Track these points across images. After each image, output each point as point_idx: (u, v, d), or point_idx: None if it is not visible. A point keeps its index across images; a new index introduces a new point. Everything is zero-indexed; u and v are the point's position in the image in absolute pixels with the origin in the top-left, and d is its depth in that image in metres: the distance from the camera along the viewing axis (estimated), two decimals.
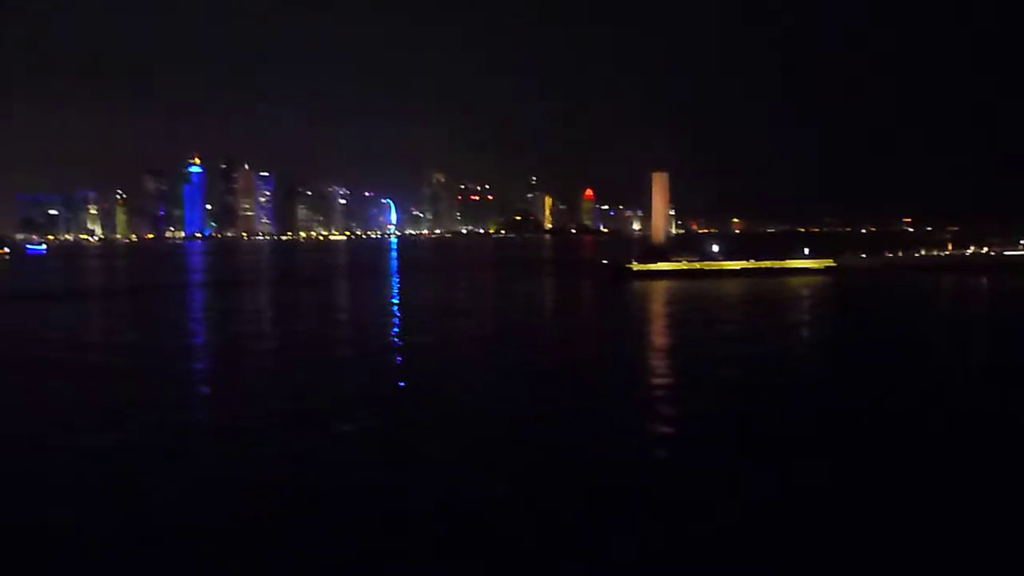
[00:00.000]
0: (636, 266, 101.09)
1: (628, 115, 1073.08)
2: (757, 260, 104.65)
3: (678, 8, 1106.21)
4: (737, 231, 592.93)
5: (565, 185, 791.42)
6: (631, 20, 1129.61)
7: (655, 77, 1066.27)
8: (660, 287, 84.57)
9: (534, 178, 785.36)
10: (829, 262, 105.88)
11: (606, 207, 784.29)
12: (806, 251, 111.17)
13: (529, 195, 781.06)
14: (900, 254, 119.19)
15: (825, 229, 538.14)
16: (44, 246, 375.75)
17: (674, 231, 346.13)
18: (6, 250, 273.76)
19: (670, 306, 67.92)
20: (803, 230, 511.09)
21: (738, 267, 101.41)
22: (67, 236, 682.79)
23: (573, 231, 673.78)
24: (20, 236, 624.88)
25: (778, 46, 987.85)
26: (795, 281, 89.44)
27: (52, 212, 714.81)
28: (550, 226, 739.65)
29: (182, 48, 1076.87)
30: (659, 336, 49.71)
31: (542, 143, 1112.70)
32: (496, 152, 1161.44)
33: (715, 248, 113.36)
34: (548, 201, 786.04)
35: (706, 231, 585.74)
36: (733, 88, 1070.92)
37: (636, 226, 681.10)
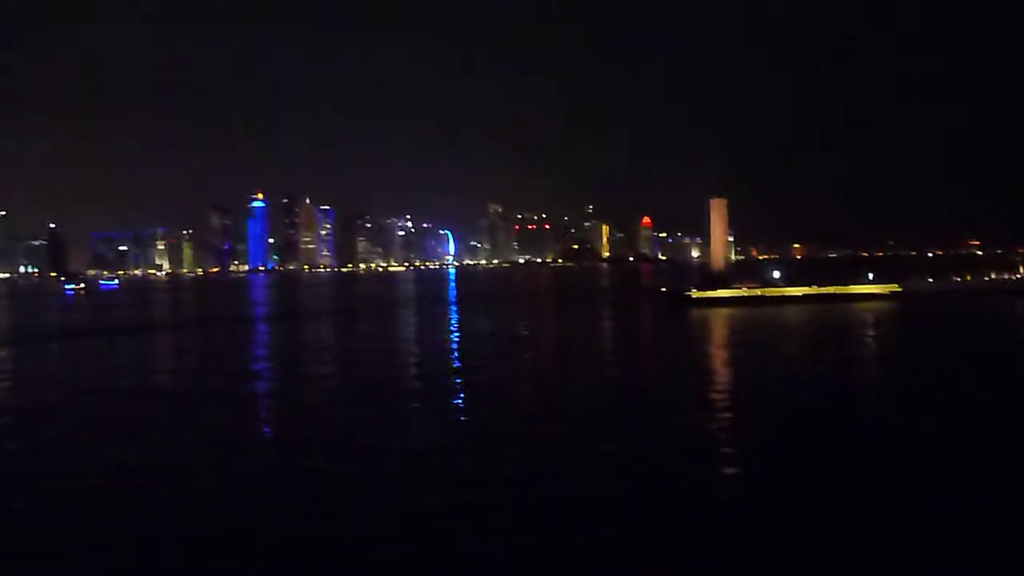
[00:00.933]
0: (695, 293, 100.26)
1: (686, 142, 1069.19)
2: (819, 286, 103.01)
3: (733, 37, 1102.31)
4: (798, 257, 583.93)
5: (622, 213, 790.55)
6: (686, 48, 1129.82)
7: (711, 102, 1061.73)
8: (720, 314, 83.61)
9: (591, 207, 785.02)
10: (894, 287, 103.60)
11: (664, 234, 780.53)
12: (870, 276, 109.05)
13: (586, 224, 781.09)
14: (969, 278, 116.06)
15: (889, 253, 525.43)
16: (116, 281, 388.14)
17: (734, 258, 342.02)
18: (83, 285, 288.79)
19: (731, 334, 67.05)
20: (866, 254, 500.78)
21: (800, 293, 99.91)
22: (136, 271, 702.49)
23: (631, 259, 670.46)
24: (92, 272, 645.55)
25: (836, 66, 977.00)
26: (859, 307, 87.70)
27: (122, 248, 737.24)
28: (607, 254, 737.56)
29: (245, 84, 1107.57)
30: (721, 365, 48.97)
31: (598, 172, 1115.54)
32: (553, 182, 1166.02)
33: (776, 274, 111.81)
34: (605, 229, 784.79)
35: (766, 257, 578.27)
36: (792, 112, 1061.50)
37: (695, 253, 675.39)
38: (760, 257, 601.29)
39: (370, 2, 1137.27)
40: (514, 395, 38.25)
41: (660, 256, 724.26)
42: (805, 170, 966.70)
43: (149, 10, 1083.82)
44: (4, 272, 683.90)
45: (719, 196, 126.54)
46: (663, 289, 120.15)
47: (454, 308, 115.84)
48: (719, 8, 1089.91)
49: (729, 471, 25.11)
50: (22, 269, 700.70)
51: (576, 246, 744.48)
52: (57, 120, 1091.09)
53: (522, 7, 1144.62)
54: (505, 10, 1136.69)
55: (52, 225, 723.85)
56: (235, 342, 71.81)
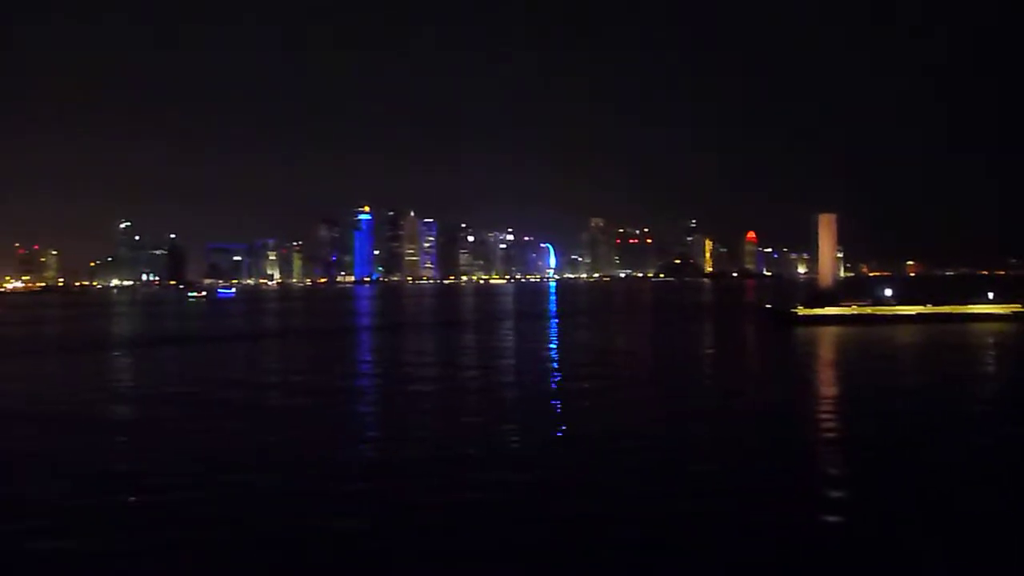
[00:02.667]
0: (802, 310, 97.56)
1: (793, 155, 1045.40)
2: (935, 305, 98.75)
3: (840, 52, 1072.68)
4: (912, 274, 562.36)
5: (726, 228, 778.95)
6: (793, 58, 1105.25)
7: (819, 113, 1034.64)
8: (828, 333, 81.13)
9: (694, 221, 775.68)
10: (1017, 307, 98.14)
11: (769, 250, 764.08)
12: (990, 295, 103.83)
13: (689, 238, 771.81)
14: None
15: (1011, 272, 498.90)
16: (233, 290, 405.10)
17: (843, 274, 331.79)
18: (204, 293, 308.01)
19: (839, 353, 64.93)
20: (986, 273, 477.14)
21: (913, 312, 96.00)
22: (249, 280, 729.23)
23: (734, 274, 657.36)
24: (208, 280, 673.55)
25: (946, 81, 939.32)
26: (978, 328, 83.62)
27: (236, 258, 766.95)
28: (710, 269, 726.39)
29: (353, 100, 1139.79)
30: (828, 385, 47.39)
31: (703, 186, 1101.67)
32: (655, 196, 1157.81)
33: (887, 292, 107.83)
34: (708, 244, 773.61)
35: (878, 274, 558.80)
36: (905, 127, 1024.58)
37: (801, 269, 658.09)
38: (871, 274, 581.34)
39: (470, 19, 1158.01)
40: (611, 409, 37.91)
41: (765, 272, 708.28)
42: (919, 185, 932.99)
43: (265, 21, 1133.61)
44: (128, 280, 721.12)
45: (828, 211, 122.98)
46: (767, 305, 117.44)
47: (554, 321, 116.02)
48: (816, 18, 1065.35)
49: (832, 493, 23.96)
50: (144, 277, 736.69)
51: (678, 260, 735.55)
52: (172, 132, 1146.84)
53: (620, 19, 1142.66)
54: (605, 22, 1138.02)
55: (172, 236, 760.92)
56: (342, 352, 73.55)
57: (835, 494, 23.94)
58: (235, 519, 21.60)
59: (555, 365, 56.61)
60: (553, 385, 46.78)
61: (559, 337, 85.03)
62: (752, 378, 50.80)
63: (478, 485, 24.43)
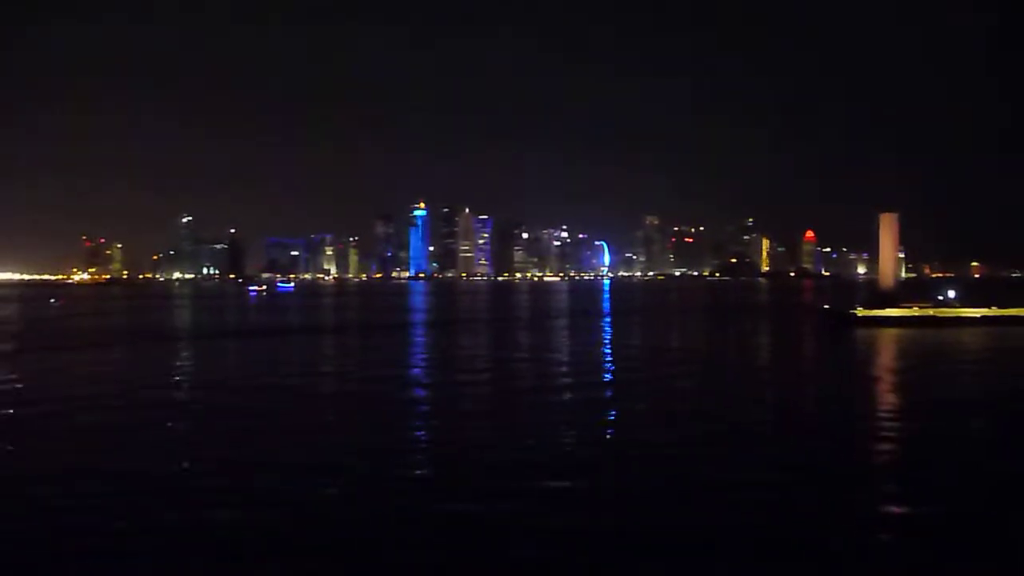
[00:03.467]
0: (861, 312, 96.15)
1: (854, 152, 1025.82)
2: (1000, 307, 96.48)
3: (907, 53, 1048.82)
4: (976, 276, 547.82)
5: (784, 226, 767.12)
6: (855, 55, 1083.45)
7: (884, 112, 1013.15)
8: (888, 335, 79.82)
9: (751, 219, 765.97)
10: None
11: (828, 249, 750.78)
12: None
13: (745, 237, 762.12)
14: None
15: None
16: (292, 284, 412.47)
17: (904, 275, 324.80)
18: (264, 288, 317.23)
19: (901, 356, 63.86)
20: None
21: (978, 315, 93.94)
22: (306, 275, 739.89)
23: (792, 274, 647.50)
24: (266, 275, 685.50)
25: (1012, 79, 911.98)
26: None
27: (294, 253, 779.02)
28: (767, 269, 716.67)
29: (409, 96, 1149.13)
30: (887, 387, 46.75)
31: (761, 184, 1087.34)
32: (712, 194, 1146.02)
33: (951, 294, 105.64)
34: (765, 243, 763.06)
35: (941, 276, 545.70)
36: (970, 125, 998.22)
37: (861, 270, 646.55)
38: (933, 275, 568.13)
39: (527, 16, 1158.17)
40: (663, 411, 38.01)
41: (823, 272, 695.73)
42: (984, 182, 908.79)
43: (321, 13, 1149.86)
44: (188, 273, 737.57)
45: (890, 210, 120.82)
46: (826, 306, 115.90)
47: (608, 320, 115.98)
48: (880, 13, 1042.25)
49: (890, 509, 22.92)
50: (204, 271, 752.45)
51: (734, 260, 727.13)
52: (233, 128, 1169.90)
53: (678, 16, 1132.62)
54: (666, 19, 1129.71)
55: (232, 230, 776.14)
56: (397, 347, 74.59)
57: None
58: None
59: (609, 366, 56.66)
60: (608, 390, 46.89)
61: (613, 336, 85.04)
62: (806, 385, 50.29)
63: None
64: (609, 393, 43.15)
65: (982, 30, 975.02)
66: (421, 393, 44.77)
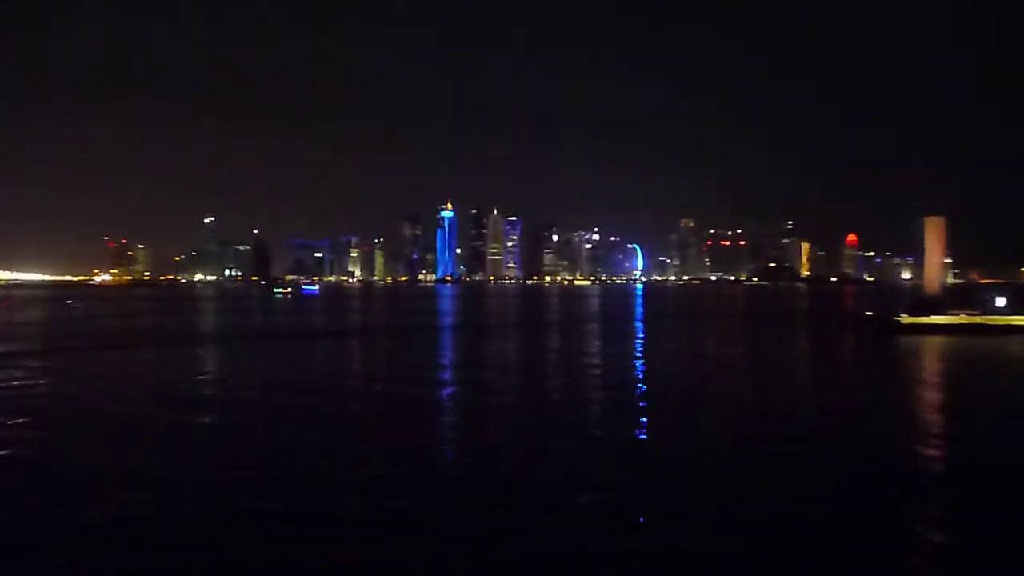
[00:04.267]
0: (905, 319, 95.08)
1: (897, 153, 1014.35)
2: None
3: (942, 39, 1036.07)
4: None
5: (825, 230, 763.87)
6: (899, 51, 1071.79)
7: (929, 114, 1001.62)
8: (933, 343, 78.87)
9: (790, 222, 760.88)
10: None
11: (871, 254, 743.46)
12: None
13: (784, 240, 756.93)
14: None
15: None
16: (317, 286, 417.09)
17: (951, 281, 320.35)
18: (288, 290, 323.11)
19: (949, 366, 62.95)
20: None
21: None
22: (331, 278, 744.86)
23: (833, 280, 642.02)
24: (290, 277, 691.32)
25: None
26: None
27: (318, 255, 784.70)
28: (807, 274, 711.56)
29: (434, 96, 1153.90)
30: (933, 399, 46.19)
31: (800, 186, 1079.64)
32: (750, 196, 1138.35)
33: (1000, 301, 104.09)
34: (805, 247, 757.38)
35: (989, 282, 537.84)
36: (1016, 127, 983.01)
37: (905, 275, 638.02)
38: (982, 281, 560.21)
39: (560, 19, 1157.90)
40: (697, 421, 37.98)
41: (866, 277, 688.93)
42: None
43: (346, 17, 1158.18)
44: (212, 275, 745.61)
45: (935, 214, 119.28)
46: (868, 313, 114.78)
47: (640, 325, 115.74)
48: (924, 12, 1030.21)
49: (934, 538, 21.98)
50: (228, 273, 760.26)
51: (773, 264, 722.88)
52: (257, 129, 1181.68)
53: (713, 14, 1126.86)
54: (701, 16, 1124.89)
55: (256, 232, 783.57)
56: (425, 350, 75.00)
57: None
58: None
59: (641, 375, 56.56)
60: (640, 397, 46.90)
61: (646, 342, 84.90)
62: (847, 395, 49.89)
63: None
64: (643, 404, 42.98)
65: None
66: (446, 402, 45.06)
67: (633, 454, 30.51)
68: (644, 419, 37.61)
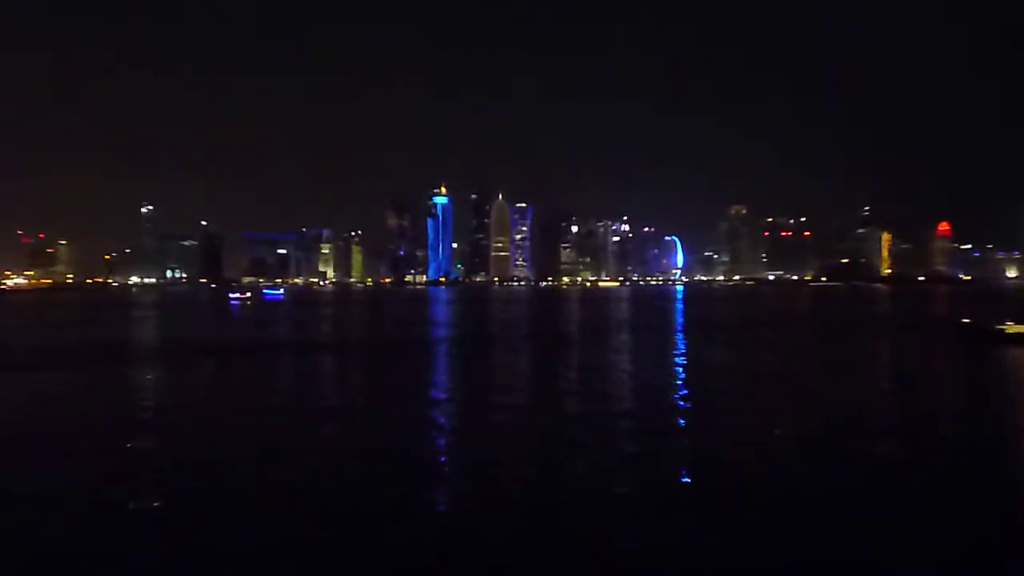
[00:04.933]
0: (1011, 328, 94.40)
1: (1000, 126, 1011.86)
2: None
3: None
4: None
5: (910, 217, 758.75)
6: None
7: None
8: None
9: (867, 209, 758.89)
10: None
11: (967, 247, 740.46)
12: None
13: (860, 231, 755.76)
14: None
15: None
16: (282, 291, 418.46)
17: None
18: (248, 295, 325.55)
19: None
20: None
21: None
22: (297, 279, 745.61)
23: (920, 279, 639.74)
24: (247, 279, 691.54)
25: None
26: None
27: (282, 252, 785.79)
28: (888, 272, 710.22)
29: (423, 59, 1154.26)
30: None
31: (878, 163, 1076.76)
32: (816, 176, 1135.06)
33: None
34: (886, 239, 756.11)
35: None
36: None
37: (1011, 273, 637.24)
38: None
39: None
40: (750, 459, 37.42)
41: (961, 276, 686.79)
42: None
43: None
44: (151, 276, 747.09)
45: None
46: (964, 320, 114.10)
47: (681, 336, 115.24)
48: None
49: None
50: (169, 273, 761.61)
51: (845, 260, 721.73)
52: (212, 103, 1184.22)
53: None
54: None
55: (205, 223, 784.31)
56: (419, 373, 74.82)
57: None
58: None
59: (683, 403, 56.02)
60: (682, 431, 46.46)
61: (688, 360, 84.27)
62: (942, 417, 49.28)
63: None
64: (685, 442, 42.04)
65: None
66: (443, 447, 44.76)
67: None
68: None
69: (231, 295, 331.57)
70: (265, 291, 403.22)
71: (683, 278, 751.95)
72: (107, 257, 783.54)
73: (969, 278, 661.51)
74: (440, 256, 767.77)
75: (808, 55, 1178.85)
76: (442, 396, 57.58)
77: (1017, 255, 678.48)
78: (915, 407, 53.55)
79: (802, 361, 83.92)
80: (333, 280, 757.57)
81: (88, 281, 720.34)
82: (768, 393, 58.41)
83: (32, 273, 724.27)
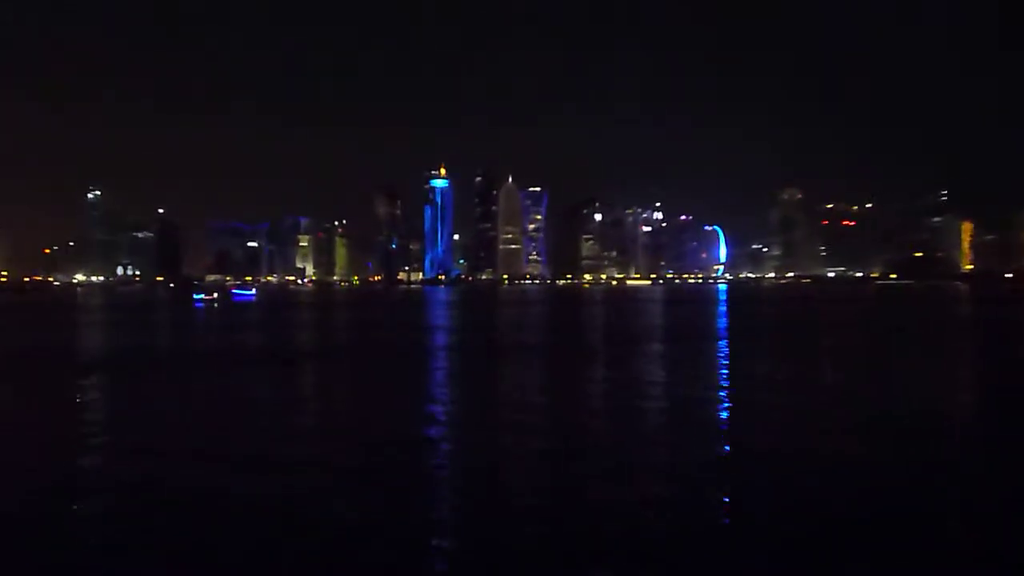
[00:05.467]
0: None
1: None
2: None
3: None
4: None
5: (995, 204, 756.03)
6: None
7: None
8: None
9: (944, 193, 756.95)
10: None
11: None
12: None
13: (936, 219, 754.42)
14: None
15: None
16: (254, 291, 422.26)
17: None
18: (215, 295, 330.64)
19: None
20: None
21: None
22: (270, 277, 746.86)
23: (1008, 276, 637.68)
24: (212, 277, 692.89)
25: None
26: None
27: (252, 244, 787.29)
28: (969, 267, 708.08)
29: (420, 26, 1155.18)
30: None
31: (957, 138, 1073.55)
32: (882, 154, 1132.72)
33: None
34: (967, 229, 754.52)
35: None
36: None
37: None
38: None
39: None
40: (808, 485, 36.55)
41: None
42: None
43: None
44: (99, 274, 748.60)
45: None
46: None
47: (724, 345, 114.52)
48: None
49: None
50: (120, 270, 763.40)
51: (919, 254, 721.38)
52: (168, 72, 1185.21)
53: None
54: None
55: (161, 211, 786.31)
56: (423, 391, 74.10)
57: None
58: None
59: (726, 438, 54.60)
60: (720, 473, 45.06)
61: (733, 378, 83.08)
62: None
63: None
64: (726, 500, 40.53)
65: None
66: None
67: None
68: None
69: (196, 296, 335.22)
70: (235, 291, 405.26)
71: (726, 275, 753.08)
72: (47, 252, 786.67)
73: None
74: (439, 250, 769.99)
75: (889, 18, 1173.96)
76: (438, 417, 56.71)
77: None
78: (974, 409, 52.37)
79: (877, 373, 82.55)
80: (313, 278, 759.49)
81: (25, 280, 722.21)
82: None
83: None
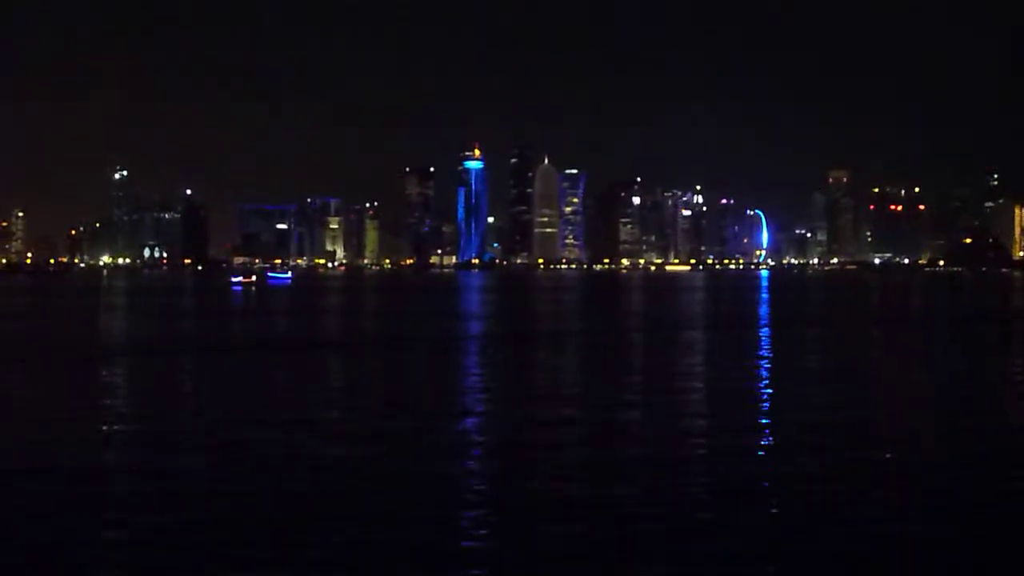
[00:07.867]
0: None
1: None
2: None
3: None
4: None
5: None
6: None
7: None
8: None
9: (996, 176, 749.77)
10: None
11: None
12: None
13: (988, 204, 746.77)
14: None
15: None
16: (290, 274, 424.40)
17: None
18: (252, 279, 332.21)
19: None
20: None
21: None
22: (300, 260, 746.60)
23: None
24: (240, 259, 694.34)
25: None
26: None
27: (281, 226, 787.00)
28: (1022, 255, 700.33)
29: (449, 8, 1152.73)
30: None
31: (1009, 117, 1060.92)
32: (932, 136, 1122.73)
33: None
34: (1020, 214, 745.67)
35: None
36: None
37: None
38: None
39: None
40: (852, 486, 37.35)
41: None
42: None
43: None
44: (125, 256, 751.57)
45: None
46: None
47: (766, 333, 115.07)
48: None
49: None
50: (147, 252, 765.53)
51: (969, 239, 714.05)
52: (196, 55, 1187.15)
53: None
54: None
55: (189, 192, 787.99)
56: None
57: None
58: None
59: (768, 435, 54.97)
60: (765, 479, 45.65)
61: (775, 372, 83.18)
62: None
63: None
64: (771, 508, 40.98)
65: None
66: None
67: None
68: None
69: (233, 279, 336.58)
70: (270, 275, 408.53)
71: (769, 261, 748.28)
72: (73, 233, 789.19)
73: None
74: (472, 233, 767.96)
75: None
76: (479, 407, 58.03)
77: None
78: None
79: (929, 369, 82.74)
80: (344, 261, 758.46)
81: (51, 262, 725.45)
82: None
83: None
